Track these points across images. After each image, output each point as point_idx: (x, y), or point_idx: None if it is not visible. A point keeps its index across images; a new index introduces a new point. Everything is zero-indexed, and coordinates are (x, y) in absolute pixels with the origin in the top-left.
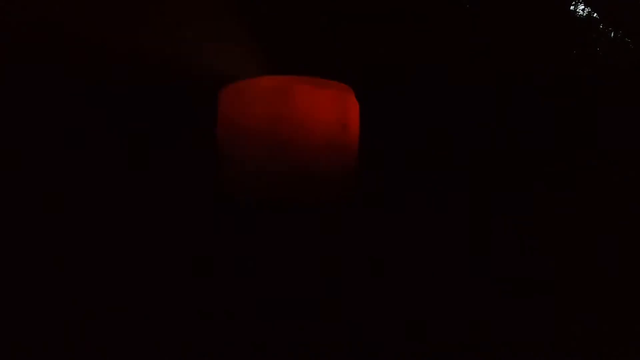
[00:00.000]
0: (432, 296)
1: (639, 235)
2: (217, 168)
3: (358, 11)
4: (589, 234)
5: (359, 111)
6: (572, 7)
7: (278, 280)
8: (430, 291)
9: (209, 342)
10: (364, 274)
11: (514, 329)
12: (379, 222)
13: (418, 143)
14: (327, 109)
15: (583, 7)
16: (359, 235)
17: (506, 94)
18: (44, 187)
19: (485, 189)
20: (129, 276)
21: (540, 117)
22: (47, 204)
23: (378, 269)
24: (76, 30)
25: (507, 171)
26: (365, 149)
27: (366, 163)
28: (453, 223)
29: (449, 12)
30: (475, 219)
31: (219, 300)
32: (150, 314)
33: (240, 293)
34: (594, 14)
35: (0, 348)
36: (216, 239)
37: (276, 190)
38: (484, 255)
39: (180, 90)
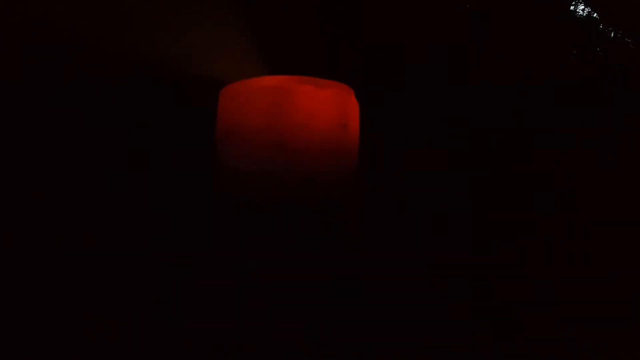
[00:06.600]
0: (432, 296)
1: (638, 235)
2: (216, 168)
3: (358, 11)
4: (588, 234)
5: (359, 111)
6: (572, 7)
7: (277, 281)
8: (431, 291)
9: (208, 342)
10: (364, 275)
11: (514, 329)
12: (379, 222)
13: (418, 143)
14: (327, 109)
15: (583, 7)
16: (359, 235)
17: (506, 94)
18: (43, 187)
19: (486, 189)
20: (128, 276)
21: (540, 117)
22: (47, 204)
23: (378, 270)
24: (74, 29)
25: (507, 171)
26: (366, 149)
27: (366, 163)
28: (454, 223)
29: (448, 12)
30: (476, 220)
31: (219, 301)
32: (150, 315)
33: (240, 294)
34: (594, 14)
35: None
36: (215, 239)
37: (275, 190)
38: (484, 255)
39: (180, 90)
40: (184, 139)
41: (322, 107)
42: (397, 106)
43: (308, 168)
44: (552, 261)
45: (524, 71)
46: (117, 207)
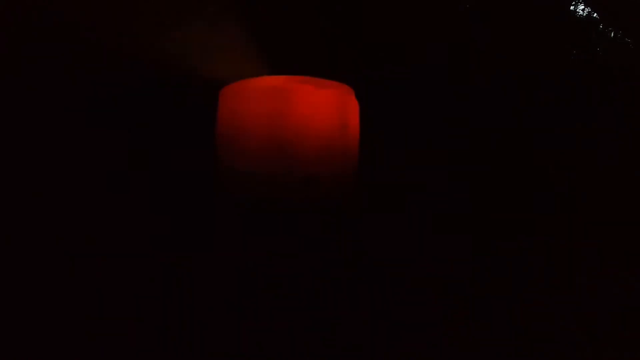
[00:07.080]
0: (432, 298)
1: (638, 235)
2: (216, 168)
3: (358, 11)
4: (588, 234)
5: (359, 111)
6: (572, 7)
7: (278, 282)
8: (431, 292)
9: (207, 343)
10: (365, 275)
11: (514, 329)
12: (379, 222)
13: (418, 143)
14: (327, 109)
15: (583, 7)
16: (359, 236)
17: (506, 94)
18: (43, 187)
19: (485, 189)
20: (128, 276)
21: (540, 117)
22: (47, 204)
23: (378, 270)
24: (74, 29)
25: (507, 171)
26: (366, 149)
27: (366, 163)
28: (454, 223)
29: (448, 12)
30: (476, 220)
31: (219, 301)
32: (150, 315)
33: (240, 294)
34: (594, 14)
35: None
36: (215, 239)
37: (276, 190)
38: (485, 256)
39: (180, 90)
40: (184, 139)
41: (322, 107)
42: (397, 106)
43: (308, 168)
44: (552, 261)
45: (524, 71)
46: (117, 207)
